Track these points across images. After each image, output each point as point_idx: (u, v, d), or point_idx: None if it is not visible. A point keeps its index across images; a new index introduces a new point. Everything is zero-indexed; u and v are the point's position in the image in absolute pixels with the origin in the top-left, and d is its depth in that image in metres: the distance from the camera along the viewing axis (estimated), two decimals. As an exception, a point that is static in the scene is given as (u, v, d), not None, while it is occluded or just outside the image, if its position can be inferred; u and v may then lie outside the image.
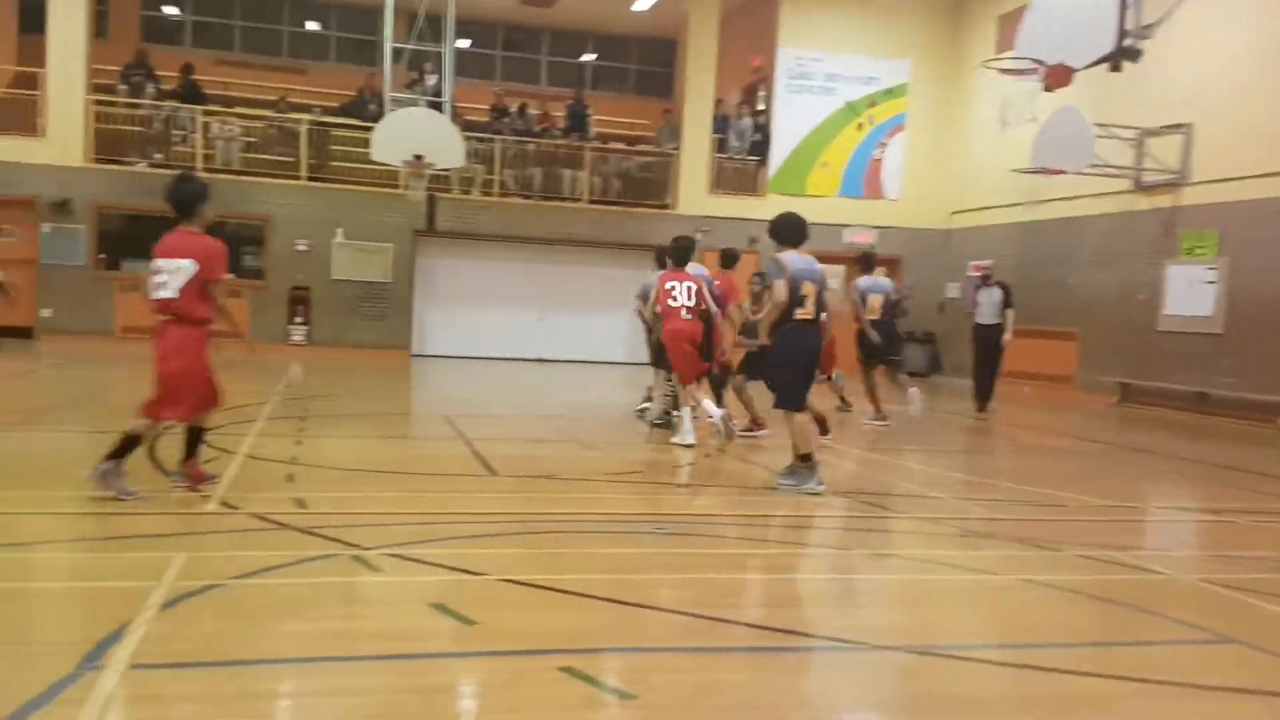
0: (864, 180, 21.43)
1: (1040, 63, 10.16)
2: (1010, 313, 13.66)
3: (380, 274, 19.79)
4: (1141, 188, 16.06)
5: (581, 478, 7.79)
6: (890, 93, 21.35)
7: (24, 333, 18.01)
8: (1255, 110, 14.12)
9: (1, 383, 12.41)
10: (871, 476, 8.54)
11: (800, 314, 7.05)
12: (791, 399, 7.22)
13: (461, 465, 8.03)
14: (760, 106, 21.87)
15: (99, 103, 18.58)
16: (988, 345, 13.83)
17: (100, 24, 20.41)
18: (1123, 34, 9.67)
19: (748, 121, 21.32)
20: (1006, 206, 18.77)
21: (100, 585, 4.42)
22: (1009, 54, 12.33)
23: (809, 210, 22.27)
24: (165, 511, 5.86)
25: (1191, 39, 14.58)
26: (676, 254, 9.56)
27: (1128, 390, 16.20)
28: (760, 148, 21.09)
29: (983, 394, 13.98)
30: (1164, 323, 15.70)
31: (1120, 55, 9.65)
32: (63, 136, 18.11)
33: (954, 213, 21.14)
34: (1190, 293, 15.19)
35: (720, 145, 21.00)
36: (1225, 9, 14.34)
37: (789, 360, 7.20)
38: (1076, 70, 10.04)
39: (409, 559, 4.94)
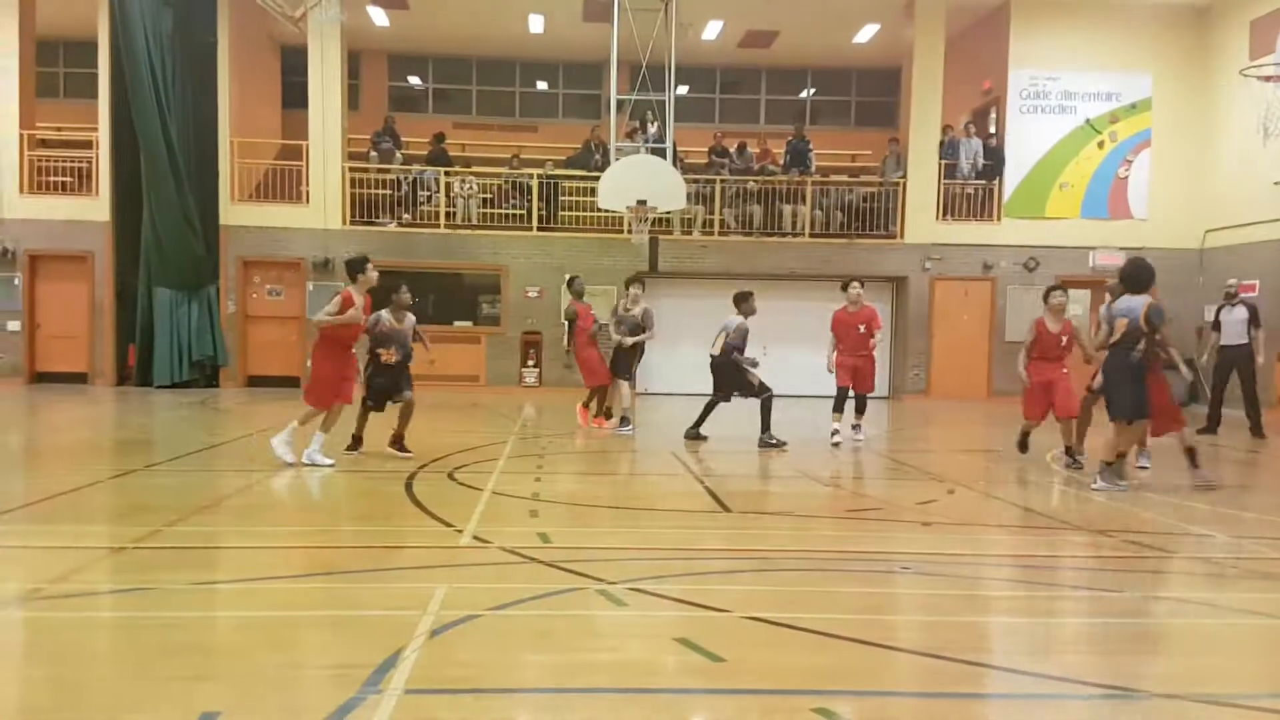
0: (1109, 200, 20.17)
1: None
2: (1259, 332, 12.65)
3: (607, 317, 20.30)
4: None
5: (817, 514, 7.64)
6: (1133, 108, 20.06)
7: (293, 382, 19.68)
8: None
9: (278, 430, 13.56)
10: (1133, 513, 7.92)
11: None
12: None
13: (694, 501, 8.06)
14: (992, 129, 21.08)
15: (353, 169, 20.20)
16: (1235, 368, 12.92)
17: (353, 97, 22.24)
18: None
19: (978, 145, 20.57)
20: (1269, 222, 17.16)
21: (372, 614, 4.69)
22: (1269, 58, 11.32)
23: (1050, 233, 21.32)
24: (424, 545, 6.19)
25: None
26: None
27: None
28: (992, 172, 20.30)
29: (1216, 418, 13.42)
30: None
31: None
32: (323, 202, 19.77)
33: (1209, 230, 19.52)
34: None
35: (949, 171, 20.36)
36: None
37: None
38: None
39: (651, 594, 4.98)
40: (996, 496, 8.89)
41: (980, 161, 20.36)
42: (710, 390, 12.35)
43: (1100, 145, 20.09)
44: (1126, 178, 20.12)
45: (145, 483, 8.52)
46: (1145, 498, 8.46)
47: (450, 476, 8.80)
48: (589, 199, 19.70)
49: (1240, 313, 12.93)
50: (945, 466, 10.87)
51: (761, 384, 11.91)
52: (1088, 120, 20.04)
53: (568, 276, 14.71)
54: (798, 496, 8.64)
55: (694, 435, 12.17)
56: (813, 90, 25.77)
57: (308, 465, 8.95)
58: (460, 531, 6.43)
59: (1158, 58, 19.94)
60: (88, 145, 19.65)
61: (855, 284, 12.62)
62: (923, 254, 20.14)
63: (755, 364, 12.09)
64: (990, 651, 4.50)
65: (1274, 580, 5.79)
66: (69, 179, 19.81)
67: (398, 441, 9.89)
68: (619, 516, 7.42)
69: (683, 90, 23.59)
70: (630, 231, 18.65)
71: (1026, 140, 20.10)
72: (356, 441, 10.06)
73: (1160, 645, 4.73)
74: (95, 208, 19.34)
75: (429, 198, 20.47)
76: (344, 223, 19.89)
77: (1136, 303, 8.59)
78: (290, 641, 4.34)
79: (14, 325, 19.39)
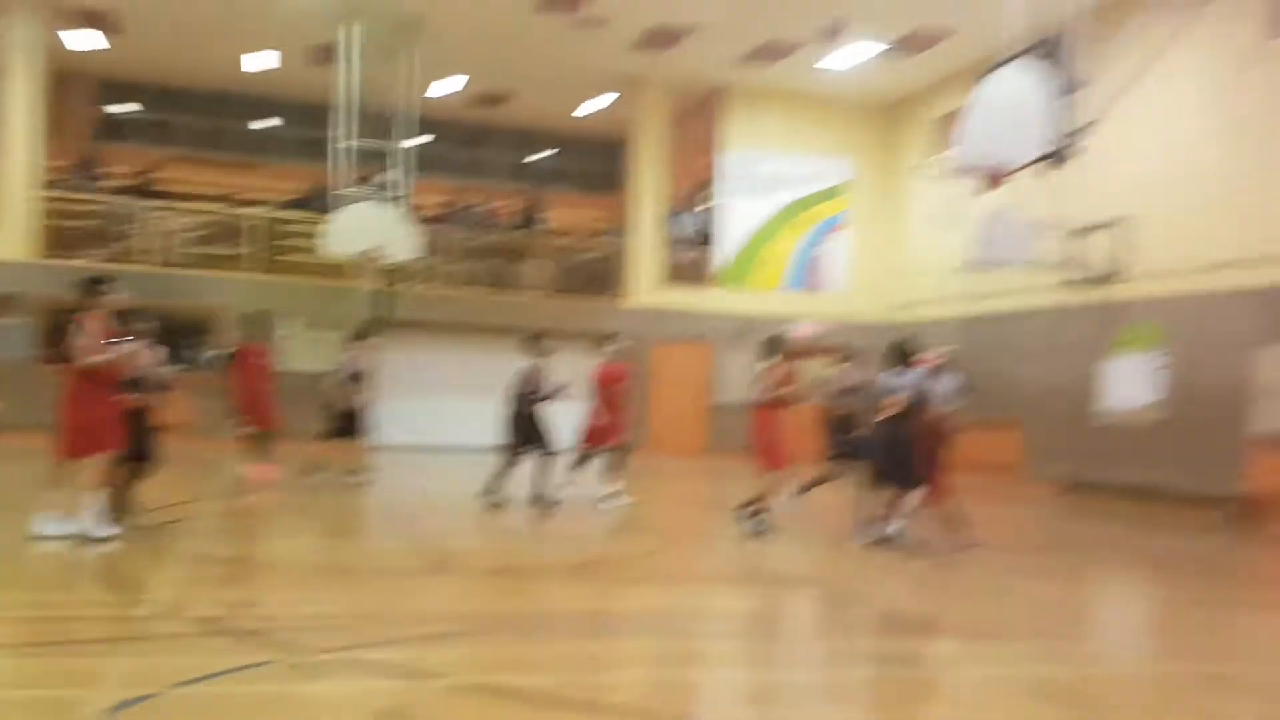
0: (808, 275, 21.91)
1: (976, 164, 10.53)
2: (961, 403, 13.87)
3: (331, 364, 19.64)
4: (1079, 282, 16.56)
5: (541, 571, 7.69)
6: (831, 191, 22.00)
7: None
8: (1192, 204, 14.69)
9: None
10: (836, 565, 8.52)
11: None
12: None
13: (416, 561, 7.90)
14: (708, 204, 22.38)
15: (51, 199, 18.48)
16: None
17: (55, 122, 20.43)
18: (1057, 136, 10.07)
19: (695, 218, 21.79)
20: (948, 301, 19.21)
21: (31, 693, 4.26)
22: (945, 155, 12.81)
23: (756, 304, 22.64)
24: (102, 616, 5.68)
25: (1128, 136, 15.19)
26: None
27: (1073, 481, 16.43)
28: (707, 243, 21.53)
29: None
30: (1105, 414, 16.03)
31: (1054, 156, 10.05)
32: (10, 233, 17.96)
33: (896, 307, 21.60)
34: (1130, 384, 15.56)
35: (669, 241, 21.39)
36: (1160, 107, 15.00)
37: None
38: (1013, 171, 10.42)
39: (360, 663, 4.82)
40: (711, 550, 9.31)
41: (696, 235, 21.58)
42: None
43: (801, 224, 21.87)
44: (824, 255, 21.97)
45: None
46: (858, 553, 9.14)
47: (141, 536, 8.13)
48: (316, 242, 19.07)
49: (951, 382, 14.01)
50: (663, 520, 11.27)
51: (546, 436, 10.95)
52: (791, 201, 21.81)
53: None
54: (520, 554, 8.66)
55: (496, 501, 11.06)
56: (545, 153, 26.35)
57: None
58: (147, 598, 5.96)
59: (854, 147, 22.01)
60: None
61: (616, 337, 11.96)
62: (643, 317, 20.95)
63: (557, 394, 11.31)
64: (700, 704, 4.68)
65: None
66: None
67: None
68: (331, 579, 7.14)
69: (418, 141, 23.48)
70: (358, 279, 18.21)
71: (738, 215, 21.53)
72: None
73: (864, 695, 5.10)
74: None
75: (136, 232, 19.06)
76: (37, 255, 18.13)
77: (910, 378, 9.13)
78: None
79: None
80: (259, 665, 4.74)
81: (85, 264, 18.30)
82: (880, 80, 20.59)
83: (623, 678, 5.03)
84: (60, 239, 18.46)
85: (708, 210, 21.98)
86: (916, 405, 9.10)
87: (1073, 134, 9.99)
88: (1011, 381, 17.73)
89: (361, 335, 13.49)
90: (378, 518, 11.14)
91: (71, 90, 22.41)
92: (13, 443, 14.39)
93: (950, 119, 18.69)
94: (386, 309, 19.76)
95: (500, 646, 5.39)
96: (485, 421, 20.77)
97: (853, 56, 19.35)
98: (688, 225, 21.61)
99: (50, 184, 18.83)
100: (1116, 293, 15.99)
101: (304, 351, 19.44)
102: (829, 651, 5.86)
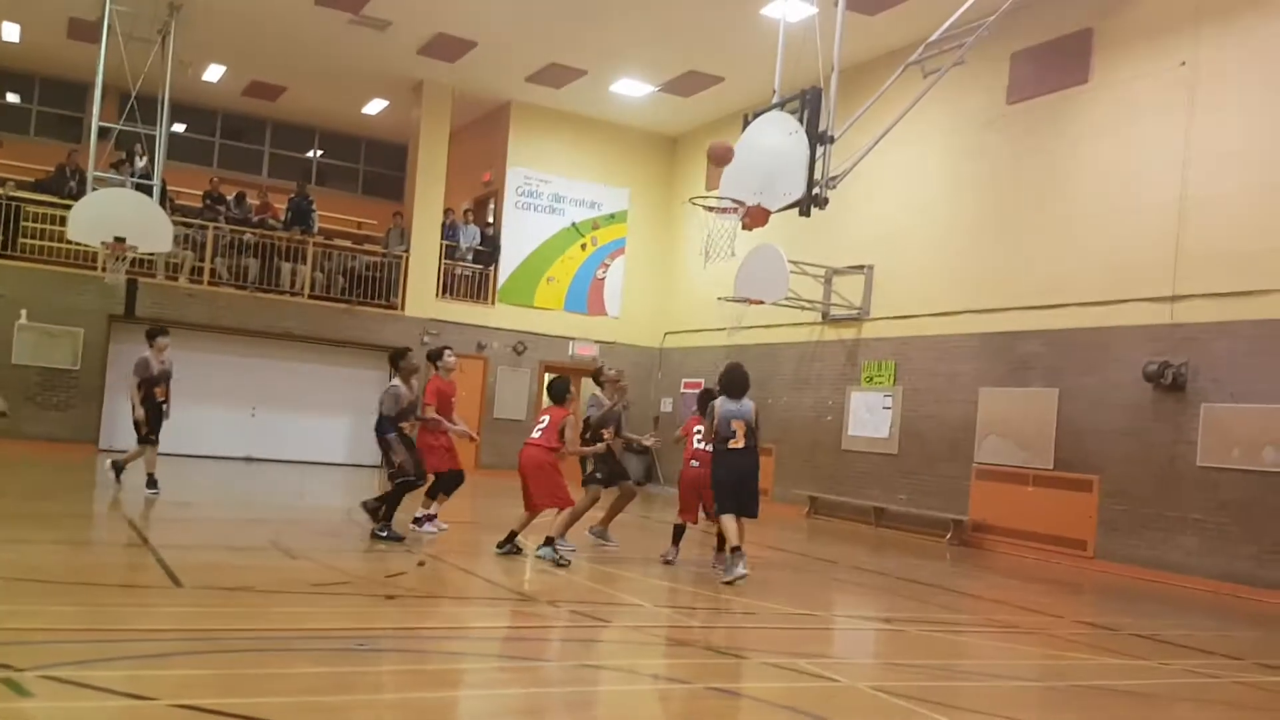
0: (588, 297, 22.26)
1: (740, 203, 11.08)
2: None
3: (68, 360, 18.18)
4: (829, 320, 17.72)
5: (282, 589, 7.39)
6: (613, 217, 22.49)
7: None
8: (925, 255, 16.05)
9: None
10: (591, 587, 8.68)
11: (732, 444, 9.14)
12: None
13: (143, 575, 7.43)
14: (490, 219, 22.34)
15: None
16: None
17: None
18: (812, 183, 10.77)
19: (475, 232, 21.67)
20: (713, 330, 20.04)
21: None
22: (714, 192, 13.42)
23: (538, 321, 22.86)
24: None
25: (872, 189, 16.44)
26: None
27: (816, 503, 17.50)
28: (488, 258, 21.46)
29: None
30: (848, 442, 17.18)
31: (809, 202, 10.74)
32: None
33: (668, 333, 22.30)
34: (870, 417, 16.76)
35: (449, 252, 21.17)
36: (906, 163, 16.30)
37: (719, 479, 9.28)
38: (771, 213, 11.03)
39: (69, 682, 4.49)
40: (465, 569, 9.27)
41: (476, 249, 21.47)
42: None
43: (584, 247, 22.21)
44: (604, 279, 22.39)
45: None
46: (595, 570, 9.32)
47: None
48: (58, 228, 17.60)
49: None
50: (422, 539, 11.09)
51: (405, 464, 9.93)
52: (574, 223, 22.09)
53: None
54: (264, 570, 8.29)
55: (384, 532, 9.96)
56: (320, 151, 25.50)
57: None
58: None
59: (635, 176, 22.61)
60: None
61: (449, 352, 11.26)
62: (422, 328, 20.61)
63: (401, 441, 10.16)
64: (429, 725, 4.66)
65: (683, 646, 6.66)
66: None
67: None
68: (49, 591, 6.61)
69: (178, 128, 22.18)
70: (104, 269, 16.93)
71: (520, 233, 21.62)
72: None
73: (585, 712, 5.22)
74: None
75: None
76: None
77: (748, 406, 9.28)
78: None
79: None
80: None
81: None
82: (660, 114, 21.30)
83: (362, 700, 4.93)
84: None
85: (490, 226, 21.93)
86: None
87: (824, 183, 10.71)
88: (765, 410, 18.63)
89: (152, 335, 12.37)
90: (118, 528, 10.36)
91: None
92: None
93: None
94: (131, 303, 18.50)
95: (231, 667, 5.16)
96: (235, 430, 19.87)
97: (631, 91, 19.97)
98: (469, 238, 21.46)
99: None
100: (861, 331, 17.21)
101: (34, 346, 17.92)
102: (575, 668, 5.97)
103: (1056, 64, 14.32)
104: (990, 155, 15.27)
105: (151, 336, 12.40)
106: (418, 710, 4.82)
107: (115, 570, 7.74)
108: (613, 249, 22.49)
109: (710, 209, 11.95)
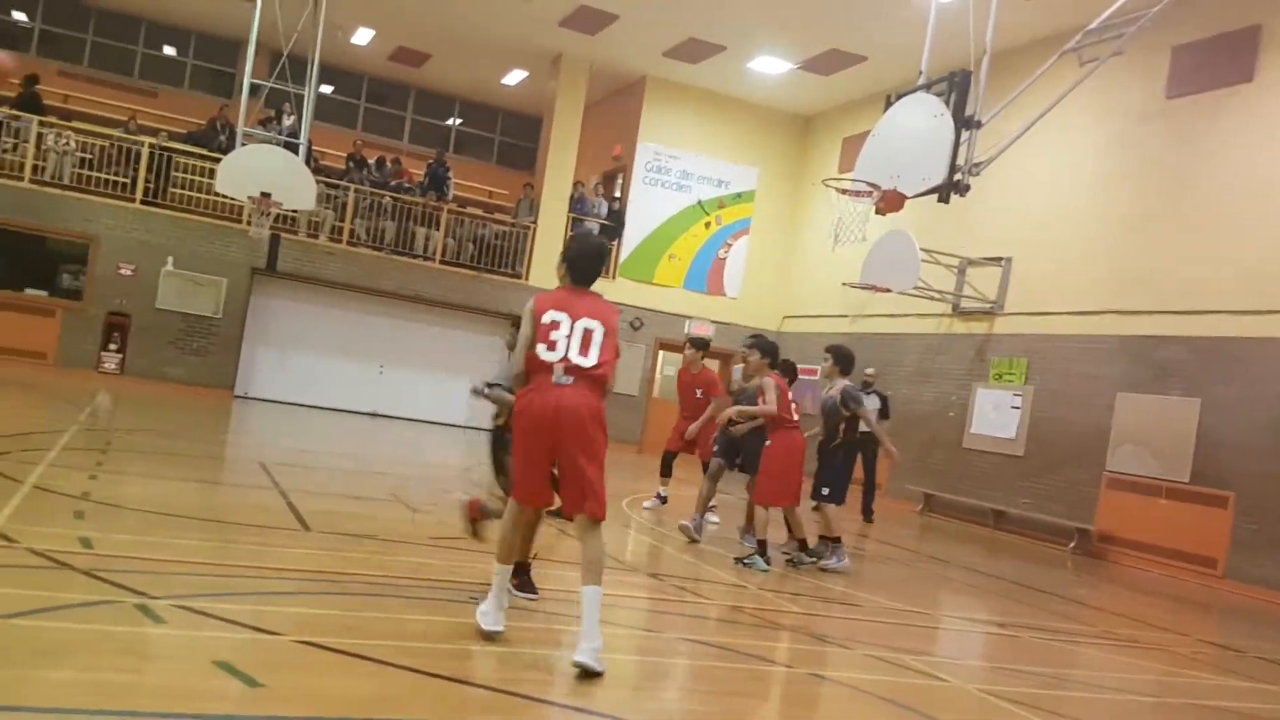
0: (708, 277, 22.18)
1: (875, 186, 10.82)
2: (887, 423, 13.83)
3: (210, 308, 19.06)
4: (959, 312, 17.20)
5: (402, 539, 7.60)
6: (739, 197, 22.30)
7: None
8: (1068, 251, 15.41)
9: None
10: (693, 564, 8.67)
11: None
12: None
13: (272, 517, 7.73)
14: (617, 193, 22.43)
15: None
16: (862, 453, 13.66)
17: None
18: (954, 169, 10.43)
19: (603, 205, 21.79)
20: (834, 316, 19.71)
21: None
22: (848, 175, 13.14)
23: (656, 298, 22.84)
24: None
25: (1016, 179, 15.86)
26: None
27: (931, 501, 17.08)
28: (613, 233, 21.55)
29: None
30: (970, 441, 16.69)
31: (949, 188, 10.40)
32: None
33: (787, 316, 22.03)
34: (996, 415, 16.24)
35: (575, 224, 21.35)
36: (1054, 153, 15.68)
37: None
38: (908, 198, 10.74)
39: (200, 612, 4.71)
40: (569, 534, 9.35)
41: (603, 220, 21.58)
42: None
43: (707, 225, 22.10)
44: (725, 259, 22.26)
45: None
46: (701, 548, 9.30)
47: (-13, 465, 7.78)
48: (206, 180, 18.44)
49: (873, 401, 14.07)
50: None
51: None
52: (699, 201, 22.00)
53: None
54: (385, 520, 8.56)
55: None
56: (459, 120, 26.00)
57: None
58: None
59: (764, 156, 22.35)
60: None
61: (690, 346, 11.46)
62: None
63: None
64: (544, 683, 4.72)
65: (786, 631, 6.60)
66: None
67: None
68: (183, 526, 6.94)
69: (326, 89, 22.89)
70: (248, 223, 17.67)
71: (646, 208, 21.64)
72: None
73: (686, 685, 5.22)
74: None
75: (14, 146, 18.12)
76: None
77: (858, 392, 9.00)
78: None
79: None
80: (97, 604, 4.60)
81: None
82: (796, 94, 20.97)
83: (472, 649, 5.03)
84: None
85: (617, 200, 22.02)
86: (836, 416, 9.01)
87: (967, 169, 10.36)
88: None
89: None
90: (247, 470, 10.83)
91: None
92: None
93: (857, 140, 19.21)
94: (272, 258, 19.25)
95: (352, 609, 5.34)
96: (362, 386, 20.58)
97: (768, 68, 19.71)
98: (595, 211, 21.60)
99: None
100: (993, 326, 16.66)
101: (178, 292, 18.83)
102: (674, 640, 5.97)
103: (1220, 60, 13.53)
104: (1144, 150, 14.54)
105: None
106: (526, 664, 4.88)
107: (246, 510, 8.08)
108: (737, 229, 22.33)
109: (844, 191, 11.72)
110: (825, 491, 9.00)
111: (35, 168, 18.02)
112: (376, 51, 22.67)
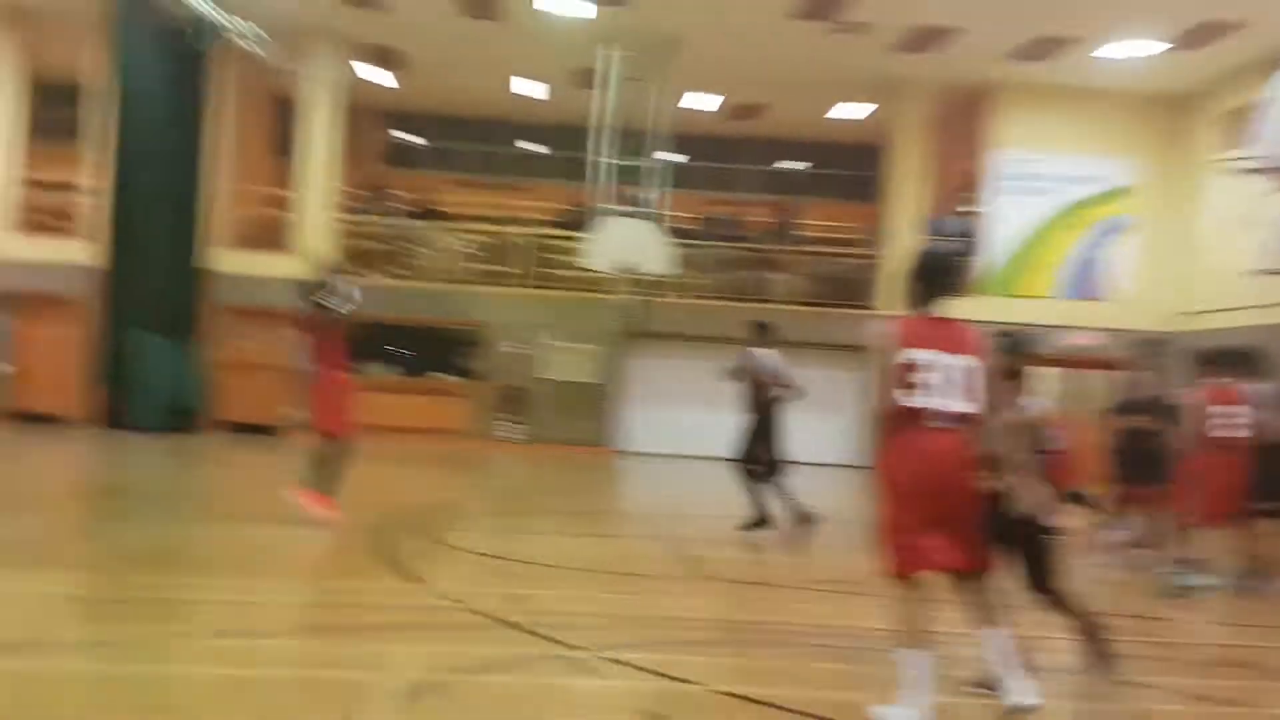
0: (1083, 282, 20.54)
1: (1270, 163, 9.51)
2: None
3: (588, 373, 20.46)
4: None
5: (794, 585, 7.63)
6: (1111, 193, 20.52)
7: (269, 430, 19.59)
8: None
9: (246, 477, 13.49)
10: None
11: None
12: None
13: (670, 567, 8.05)
14: (972, 209, 21.50)
15: (342, 221, 20.32)
16: None
17: (346, 150, 22.44)
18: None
19: (958, 223, 20.96)
20: (1243, 309, 17.47)
21: (341, 675, 4.67)
22: (1241, 152, 11.66)
23: (1026, 312, 21.47)
24: (395, 604, 6.16)
25: None
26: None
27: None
28: (970, 250, 20.66)
29: None
30: None
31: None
32: (310, 252, 19.85)
33: (1182, 313, 19.85)
34: None
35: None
36: None
37: None
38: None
39: (624, 663, 4.97)
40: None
41: (959, 240, 20.73)
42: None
43: (1078, 228, 20.52)
44: (1102, 261, 20.52)
45: (116, 529, 8.45)
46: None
47: (423, 532, 8.78)
48: (576, 258, 19.92)
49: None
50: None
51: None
52: (1066, 203, 20.50)
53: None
54: (776, 565, 8.64)
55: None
56: (798, 163, 26.23)
57: None
58: (432, 591, 6.41)
59: (1138, 145, 20.44)
60: (80, 189, 19.74)
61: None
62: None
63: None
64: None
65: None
66: (60, 222, 19.87)
67: None
68: (595, 579, 7.41)
69: (673, 157, 24.00)
70: (615, 292, 18.87)
71: (1006, 220, 20.49)
72: None
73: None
74: (84, 252, 19.35)
75: (417, 253, 20.63)
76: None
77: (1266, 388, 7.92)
78: (260, 702, 4.31)
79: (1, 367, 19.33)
80: (537, 658, 5.00)
81: (374, 281, 20.06)
82: (1164, 74, 19.07)
83: (873, 699, 4.89)
84: (354, 258, 20.24)
85: (970, 215, 21.12)
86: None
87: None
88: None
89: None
90: (634, 522, 11.44)
91: (361, 121, 24.59)
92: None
93: (1243, 113, 17.07)
94: (640, 321, 20.34)
95: (757, 658, 5.41)
96: (727, 432, 21.09)
97: (1133, 52, 18.11)
98: (949, 230, 20.83)
99: (344, 208, 20.71)
100: None
101: (559, 363, 20.44)
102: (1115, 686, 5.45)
103: None
104: None
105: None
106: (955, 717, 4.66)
107: (645, 561, 8.47)
108: (1112, 226, 20.53)
109: (1242, 170, 10.41)
110: None
111: (434, 269, 20.44)
112: (718, 113, 23.47)
